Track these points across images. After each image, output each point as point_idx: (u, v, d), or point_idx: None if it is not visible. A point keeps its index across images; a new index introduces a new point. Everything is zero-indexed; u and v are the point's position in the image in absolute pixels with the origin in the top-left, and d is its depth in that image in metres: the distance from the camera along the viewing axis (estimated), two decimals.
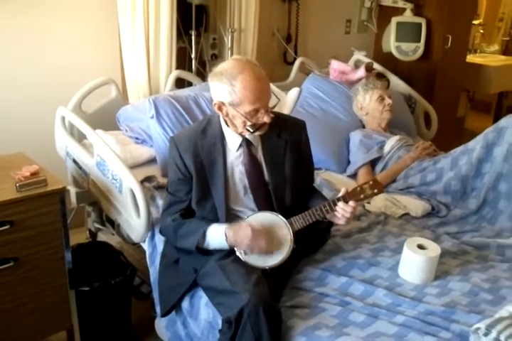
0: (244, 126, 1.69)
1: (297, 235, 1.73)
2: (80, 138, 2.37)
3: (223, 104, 1.68)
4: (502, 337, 1.43)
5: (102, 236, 2.57)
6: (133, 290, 2.26)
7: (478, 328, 1.47)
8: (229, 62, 1.68)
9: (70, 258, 1.94)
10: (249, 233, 1.65)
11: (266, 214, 1.74)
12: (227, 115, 1.71)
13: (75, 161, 2.28)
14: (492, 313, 1.57)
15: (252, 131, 1.70)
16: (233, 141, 1.77)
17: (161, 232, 1.89)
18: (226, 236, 1.68)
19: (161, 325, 1.94)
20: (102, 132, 2.38)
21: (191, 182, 1.76)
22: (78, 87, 2.48)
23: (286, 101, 2.88)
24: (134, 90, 2.70)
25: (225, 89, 1.64)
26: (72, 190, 2.22)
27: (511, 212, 2.20)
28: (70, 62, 2.66)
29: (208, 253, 1.74)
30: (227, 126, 1.76)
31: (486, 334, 1.45)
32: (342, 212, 1.71)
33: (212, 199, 1.77)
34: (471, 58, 4.39)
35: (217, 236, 1.70)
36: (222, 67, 1.67)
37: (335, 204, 1.71)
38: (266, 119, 1.67)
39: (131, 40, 2.60)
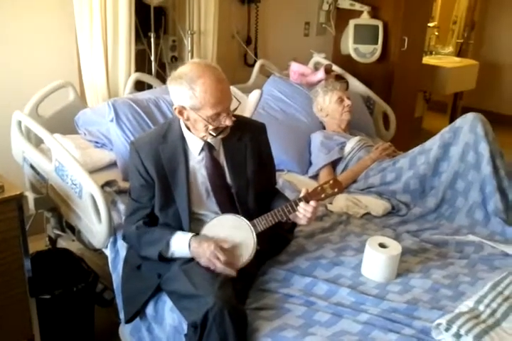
0: (207, 129, 1.69)
1: (261, 237, 1.73)
2: (37, 142, 2.32)
3: (184, 108, 1.67)
4: (462, 331, 1.47)
5: (62, 243, 2.52)
6: (96, 297, 2.23)
7: (439, 324, 1.51)
8: (188, 66, 1.67)
9: (29, 266, 1.90)
10: (212, 248, 1.64)
11: (228, 217, 1.74)
12: (188, 119, 1.70)
13: (32, 166, 2.23)
14: (453, 309, 1.61)
15: (214, 134, 1.69)
16: (195, 145, 1.76)
17: (124, 239, 1.86)
18: (189, 246, 1.68)
19: (125, 331, 1.91)
20: (60, 136, 2.33)
21: (154, 188, 1.75)
22: (34, 91, 2.43)
23: (248, 103, 2.89)
24: (93, 93, 2.66)
25: (185, 93, 1.63)
26: (30, 196, 2.16)
27: (468, 210, 2.26)
28: (26, 65, 2.59)
29: (169, 261, 1.73)
30: (189, 130, 1.75)
31: (447, 330, 1.49)
32: (303, 212, 1.72)
33: (175, 206, 1.76)
34: (426, 60, 4.50)
35: (181, 246, 1.69)
36: (181, 70, 1.66)
37: (296, 205, 1.72)
38: (228, 122, 1.67)
39: (88, 43, 2.55)
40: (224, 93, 1.64)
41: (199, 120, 1.67)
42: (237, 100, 1.81)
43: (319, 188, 1.74)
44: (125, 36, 2.59)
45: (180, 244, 1.69)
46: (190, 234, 1.70)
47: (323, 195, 1.74)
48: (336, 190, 1.74)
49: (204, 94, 1.61)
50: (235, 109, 1.73)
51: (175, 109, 1.69)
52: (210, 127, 1.68)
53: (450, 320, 1.50)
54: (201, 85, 1.61)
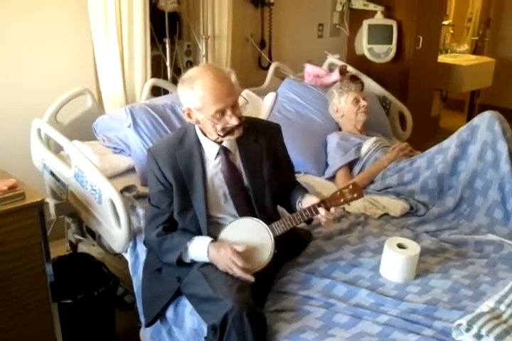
0: (216, 130, 1.70)
1: (279, 239, 1.74)
2: (56, 149, 2.35)
3: (190, 110, 1.71)
4: (483, 331, 1.46)
5: (82, 248, 2.55)
6: (116, 301, 2.25)
7: (459, 324, 1.50)
8: (192, 69, 1.72)
9: (51, 272, 1.92)
10: (229, 255, 1.65)
11: (247, 220, 1.75)
12: (197, 122, 1.73)
13: (52, 173, 2.26)
14: (473, 309, 1.59)
15: (222, 134, 1.70)
16: (211, 150, 1.78)
17: (145, 245, 1.89)
18: (208, 252, 1.69)
19: (146, 334, 1.93)
20: (79, 143, 2.36)
21: (172, 194, 1.77)
22: (53, 98, 2.46)
23: (263, 106, 2.91)
24: (110, 100, 2.69)
25: (187, 94, 1.68)
26: (51, 202, 2.20)
27: (487, 209, 2.24)
28: (45, 73, 2.63)
29: (189, 265, 1.75)
30: (204, 134, 1.77)
31: (467, 330, 1.48)
32: (323, 219, 1.72)
33: (192, 210, 1.77)
34: (442, 58, 4.46)
35: (199, 251, 1.71)
36: (185, 74, 1.71)
37: (316, 210, 1.72)
38: (234, 121, 1.67)
39: (105, 50, 2.58)
40: (224, 91, 1.65)
41: (206, 121, 1.69)
42: (244, 99, 1.83)
43: (338, 193, 1.73)
44: (141, 42, 2.62)
45: (198, 250, 1.71)
46: (208, 240, 1.71)
47: (342, 200, 1.73)
48: (355, 195, 1.73)
49: (202, 92, 1.64)
50: (240, 106, 1.73)
51: (183, 112, 1.73)
52: (218, 127, 1.69)
53: (471, 320, 1.49)
54: (200, 84, 1.64)
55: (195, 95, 1.66)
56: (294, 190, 1.90)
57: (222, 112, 1.67)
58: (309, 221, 1.80)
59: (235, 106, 1.69)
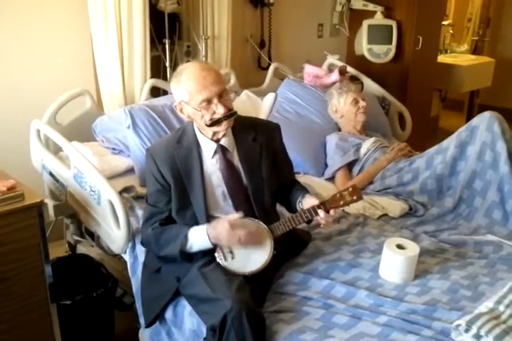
0: (205, 121, 1.70)
1: (278, 240, 1.75)
2: (55, 150, 2.35)
3: (180, 104, 1.73)
4: (482, 332, 1.46)
5: (81, 249, 2.55)
6: (115, 302, 2.25)
7: (458, 325, 1.50)
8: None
9: (50, 272, 1.92)
10: (226, 225, 1.65)
11: (246, 221, 1.75)
12: (189, 116, 1.75)
13: (51, 174, 2.26)
14: (472, 309, 1.59)
15: (208, 124, 1.70)
16: (208, 148, 1.78)
17: (142, 244, 1.88)
18: (208, 234, 1.68)
19: (145, 335, 1.93)
20: (78, 144, 2.36)
21: (170, 193, 1.77)
22: (52, 99, 2.46)
23: (263, 106, 2.91)
24: (109, 100, 2.69)
25: (175, 87, 1.71)
26: (50, 203, 2.19)
27: (487, 209, 2.24)
28: (44, 74, 2.63)
29: (191, 259, 1.74)
30: (201, 133, 1.77)
31: (466, 331, 1.48)
32: (322, 221, 1.72)
33: (191, 208, 1.77)
34: (442, 58, 4.46)
35: (199, 236, 1.70)
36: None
37: (315, 211, 1.71)
38: (220, 110, 1.67)
39: (104, 50, 2.58)
40: (208, 79, 1.66)
41: (195, 113, 1.70)
42: (234, 92, 1.83)
43: (338, 195, 1.73)
44: (140, 43, 2.62)
45: (198, 234, 1.70)
46: (205, 225, 1.71)
47: (341, 202, 1.72)
48: (354, 197, 1.72)
49: (187, 82, 1.67)
50: (227, 91, 1.72)
51: (175, 107, 1.76)
52: (206, 118, 1.69)
53: (470, 320, 1.49)
54: (185, 75, 1.68)
55: (182, 87, 1.69)
56: (294, 189, 1.90)
57: (209, 101, 1.67)
58: (309, 221, 1.80)
59: (222, 96, 1.69)
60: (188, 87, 1.67)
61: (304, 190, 1.88)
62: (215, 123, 1.70)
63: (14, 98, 2.56)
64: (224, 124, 1.72)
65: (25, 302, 1.88)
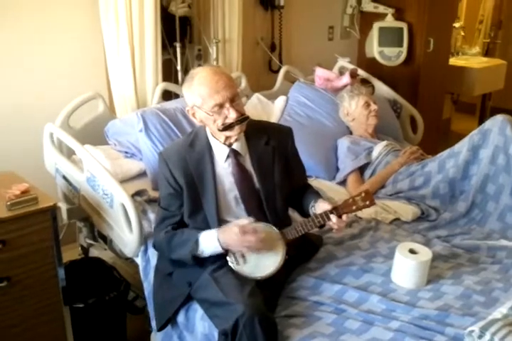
0: (217, 126, 1.71)
1: (290, 244, 1.74)
2: (69, 154, 2.37)
3: (193, 108, 1.73)
4: (496, 338, 1.45)
5: (94, 252, 2.57)
6: (127, 305, 2.26)
7: (472, 331, 1.49)
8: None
9: (63, 276, 1.94)
10: (236, 230, 1.65)
11: (258, 225, 1.75)
12: (201, 121, 1.75)
13: (64, 177, 2.28)
14: (485, 315, 1.58)
15: (221, 129, 1.70)
16: (221, 152, 1.79)
17: (154, 247, 1.89)
18: (218, 239, 1.69)
19: (157, 339, 1.94)
20: (91, 147, 2.38)
21: (182, 197, 1.77)
22: (65, 103, 2.48)
23: (274, 109, 2.91)
24: (122, 104, 2.70)
25: (188, 92, 1.72)
26: (63, 207, 2.22)
27: (500, 214, 2.22)
28: (56, 78, 2.65)
29: (202, 264, 1.75)
30: (214, 137, 1.78)
31: (480, 337, 1.47)
32: (335, 226, 1.72)
33: (203, 212, 1.78)
34: (453, 61, 4.44)
35: (210, 241, 1.70)
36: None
37: (327, 216, 1.71)
38: (232, 114, 1.67)
39: (116, 54, 2.60)
40: (220, 83, 1.66)
41: (207, 118, 1.71)
42: (245, 95, 1.83)
43: (351, 200, 1.73)
44: (152, 47, 2.63)
45: (208, 239, 1.70)
46: (216, 230, 1.72)
47: (354, 207, 1.72)
48: (367, 202, 1.72)
49: (199, 86, 1.67)
50: (239, 95, 1.73)
51: (187, 111, 1.76)
52: (219, 123, 1.70)
53: (483, 327, 1.48)
54: (197, 79, 1.68)
55: (194, 91, 1.69)
56: (306, 193, 1.90)
57: (221, 105, 1.67)
58: (321, 226, 1.79)
59: (234, 101, 1.69)
60: (200, 92, 1.68)
61: (317, 194, 1.88)
62: (227, 127, 1.70)
63: (28, 102, 2.58)
64: (236, 129, 1.72)
65: (38, 305, 1.90)
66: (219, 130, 1.71)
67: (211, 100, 1.66)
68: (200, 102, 1.69)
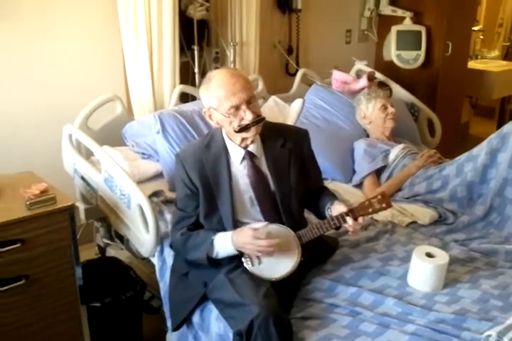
0: (233, 128, 1.71)
1: (305, 245, 1.74)
2: (87, 155, 2.39)
3: (209, 110, 1.74)
4: None
5: (111, 252, 2.59)
6: (143, 305, 2.27)
7: (489, 335, 1.47)
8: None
9: (80, 275, 1.95)
10: (250, 233, 1.65)
11: (274, 227, 1.75)
12: (217, 123, 1.76)
13: (83, 178, 2.30)
14: (503, 320, 1.56)
15: (237, 131, 1.71)
16: (237, 154, 1.79)
17: (171, 247, 1.90)
18: (232, 241, 1.69)
19: (172, 339, 1.94)
20: (109, 148, 2.40)
21: (198, 198, 1.78)
22: (84, 105, 2.51)
23: (290, 112, 2.91)
24: (139, 106, 2.73)
25: (205, 94, 1.73)
26: (81, 207, 2.24)
27: None
28: (75, 80, 2.69)
29: (218, 265, 1.75)
30: (230, 139, 1.79)
31: None
32: (350, 229, 1.71)
33: (219, 213, 1.78)
34: (472, 64, 4.41)
35: (224, 243, 1.71)
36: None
37: (343, 219, 1.70)
38: (249, 116, 1.68)
39: (134, 57, 2.63)
40: (237, 86, 1.67)
41: (224, 119, 1.71)
42: (262, 97, 1.82)
43: (367, 203, 1.72)
44: (170, 49, 2.66)
45: (223, 241, 1.71)
46: (231, 231, 1.73)
47: (370, 210, 1.71)
48: (383, 205, 1.71)
49: (216, 88, 1.68)
50: (255, 97, 1.73)
51: (204, 113, 1.77)
52: (235, 124, 1.70)
53: (501, 332, 1.46)
54: (214, 81, 1.69)
55: (211, 93, 1.70)
56: (322, 195, 1.90)
57: (237, 107, 1.68)
58: (337, 228, 1.79)
59: (250, 102, 1.69)
60: (217, 94, 1.69)
61: (333, 197, 1.87)
62: (243, 129, 1.71)
63: (47, 103, 2.63)
64: (252, 130, 1.72)
65: (55, 303, 1.91)
66: (235, 131, 1.72)
67: (228, 102, 1.67)
68: (217, 104, 1.70)
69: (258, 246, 1.65)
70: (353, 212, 1.70)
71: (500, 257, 2.02)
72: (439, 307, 1.69)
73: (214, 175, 1.77)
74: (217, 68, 3.03)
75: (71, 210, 1.86)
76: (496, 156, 2.31)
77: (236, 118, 1.69)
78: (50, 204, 1.81)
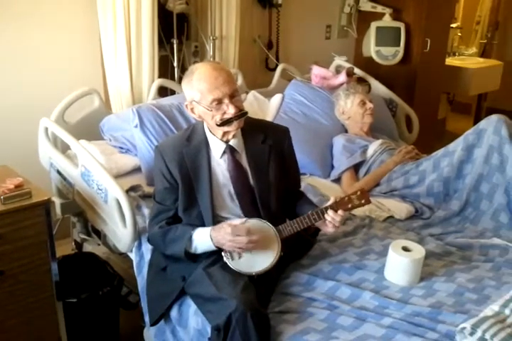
0: (215, 121, 1.71)
1: (284, 241, 1.75)
2: (63, 148, 2.36)
3: (191, 104, 1.74)
4: (487, 335, 1.46)
5: (87, 247, 2.56)
6: (121, 300, 2.26)
7: (463, 328, 1.49)
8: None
9: (56, 270, 1.94)
10: (229, 230, 1.66)
11: (254, 221, 1.75)
12: (199, 116, 1.75)
13: (59, 172, 2.27)
14: (477, 312, 1.59)
15: (219, 124, 1.71)
16: (217, 148, 1.79)
17: (149, 241, 1.89)
18: (211, 237, 1.69)
19: (149, 334, 1.94)
20: (86, 142, 2.37)
21: (177, 191, 1.77)
22: (60, 98, 2.47)
23: (270, 107, 2.90)
24: (117, 100, 2.70)
25: (187, 87, 1.72)
26: (57, 201, 2.21)
27: (493, 213, 2.24)
28: (52, 73, 2.65)
29: (196, 259, 1.75)
30: (211, 133, 1.78)
31: (471, 334, 1.48)
32: (332, 220, 1.72)
33: (198, 207, 1.78)
34: (450, 61, 4.45)
35: (203, 239, 1.71)
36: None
37: (323, 213, 1.72)
38: (231, 110, 1.68)
39: (112, 50, 2.60)
40: (220, 79, 1.67)
41: (206, 113, 1.71)
42: (245, 92, 1.82)
43: (346, 198, 1.74)
44: (148, 43, 2.63)
45: (202, 236, 1.71)
46: (210, 227, 1.72)
47: (349, 206, 1.74)
48: (362, 201, 1.73)
49: (199, 82, 1.68)
50: (238, 91, 1.73)
51: (186, 106, 1.76)
52: (217, 118, 1.70)
53: (475, 324, 1.49)
54: (197, 74, 1.69)
55: (193, 86, 1.69)
56: (301, 202, 1.91)
57: (219, 101, 1.68)
58: (314, 234, 1.84)
59: (233, 97, 1.69)
60: (199, 87, 1.68)
61: (313, 206, 1.88)
62: (225, 122, 1.71)
63: (23, 96, 2.58)
64: (234, 124, 1.72)
65: (31, 299, 1.89)
66: (217, 125, 1.71)
67: (210, 95, 1.67)
68: (199, 97, 1.69)
69: (237, 243, 1.66)
70: (332, 207, 1.72)
71: (475, 251, 2.06)
72: (415, 300, 1.71)
73: (194, 168, 1.77)
74: (196, 62, 3.01)
75: (47, 205, 1.84)
76: (472, 152, 2.35)
77: (218, 112, 1.69)
78: (25, 199, 1.80)
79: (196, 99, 1.70)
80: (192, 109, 1.75)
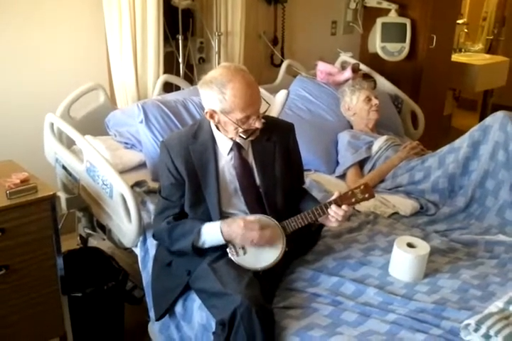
0: (237, 132, 1.71)
1: (288, 236, 1.75)
2: (69, 144, 2.37)
3: (215, 111, 1.70)
4: (491, 332, 1.45)
5: (92, 242, 2.57)
6: (125, 295, 2.26)
7: (468, 324, 1.49)
8: (218, 70, 1.69)
9: (61, 265, 1.94)
10: (242, 224, 1.67)
11: (259, 217, 1.75)
12: (219, 122, 1.73)
13: (64, 167, 2.28)
14: (482, 309, 1.59)
15: (244, 137, 1.71)
16: (224, 145, 1.79)
17: (154, 237, 1.89)
18: (221, 230, 1.70)
19: (154, 329, 1.95)
20: (91, 138, 2.38)
21: (184, 187, 1.77)
22: (66, 93, 2.48)
23: (275, 103, 2.90)
24: (122, 95, 2.71)
25: (216, 97, 1.66)
26: (62, 196, 2.22)
27: (498, 209, 2.23)
28: (58, 68, 2.65)
29: (202, 254, 1.75)
30: (219, 130, 1.78)
31: (476, 330, 1.48)
32: (335, 215, 1.73)
33: (205, 203, 1.78)
34: (456, 57, 4.43)
35: (212, 232, 1.71)
36: (211, 75, 1.69)
37: (327, 208, 1.73)
38: (257, 125, 1.69)
39: (118, 45, 2.60)
40: (253, 97, 1.67)
41: (229, 123, 1.70)
42: (267, 102, 1.83)
43: (350, 193, 1.74)
44: (154, 39, 2.63)
45: (211, 230, 1.72)
46: (219, 221, 1.73)
47: (353, 200, 1.74)
48: (366, 195, 1.73)
49: (234, 99, 1.64)
50: (265, 111, 1.75)
51: (206, 112, 1.72)
52: (240, 130, 1.70)
53: (479, 320, 1.48)
54: (231, 89, 1.63)
55: (225, 100, 1.64)
56: (305, 198, 1.91)
57: (248, 117, 1.68)
58: (317, 231, 1.83)
59: (258, 110, 1.70)
60: (233, 103, 1.64)
61: (317, 202, 1.88)
62: (250, 135, 1.72)
63: (29, 92, 2.59)
64: (256, 133, 1.74)
65: (36, 293, 1.90)
66: (241, 137, 1.72)
67: (242, 113, 1.66)
68: (229, 111, 1.67)
69: (249, 237, 1.67)
70: (336, 202, 1.72)
71: (480, 248, 2.05)
72: (419, 296, 1.71)
73: (201, 165, 1.77)
74: (202, 59, 3.02)
75: (52, 200, 1.84)
76: (478, 148, 2.34)
77: (244, 126, 1.69)
78: (31, 194, 1.80)
79: (224, 110, 1.67)
80: (211, 115, 1.71)
